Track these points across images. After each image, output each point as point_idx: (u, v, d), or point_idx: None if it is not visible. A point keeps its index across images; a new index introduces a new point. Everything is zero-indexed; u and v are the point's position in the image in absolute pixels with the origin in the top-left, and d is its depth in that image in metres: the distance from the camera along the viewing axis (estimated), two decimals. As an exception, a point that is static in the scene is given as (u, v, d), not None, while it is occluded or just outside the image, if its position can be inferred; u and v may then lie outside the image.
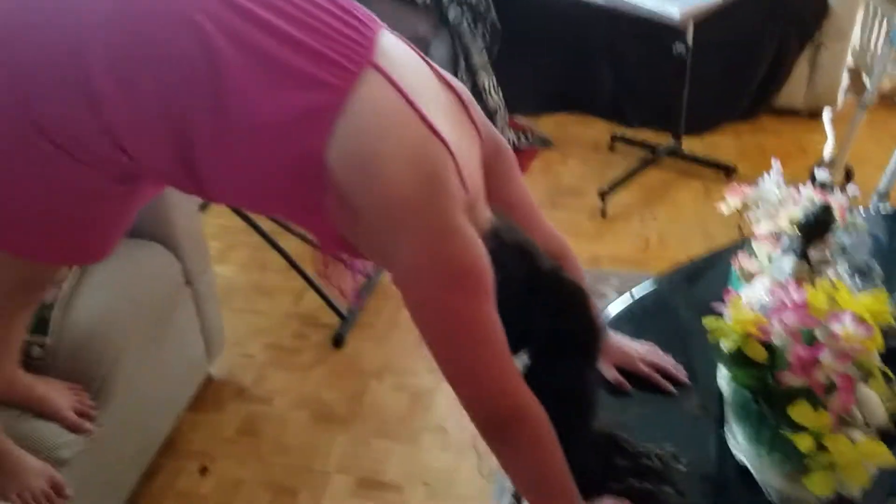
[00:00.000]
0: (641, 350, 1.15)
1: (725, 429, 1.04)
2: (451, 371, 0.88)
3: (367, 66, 0.84)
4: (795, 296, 0.91)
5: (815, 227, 1.04)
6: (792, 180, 1.20)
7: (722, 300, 0.99)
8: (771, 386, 0.90)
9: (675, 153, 2.61)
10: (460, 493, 1.60)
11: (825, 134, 2.71)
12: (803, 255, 1.02)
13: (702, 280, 1.42)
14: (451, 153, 0.85)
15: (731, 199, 1.21)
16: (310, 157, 0.82)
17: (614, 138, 2.75)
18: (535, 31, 2.81)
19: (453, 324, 0.85)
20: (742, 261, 1.19)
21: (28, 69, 0.83)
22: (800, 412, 0.87)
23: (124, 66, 0.81)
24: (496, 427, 0.89)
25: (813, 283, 0.99)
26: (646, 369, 1.13)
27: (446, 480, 1.63)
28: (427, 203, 0.82)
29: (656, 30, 2.29)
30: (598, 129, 2.82)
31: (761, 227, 1.19)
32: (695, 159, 2.59)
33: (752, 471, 0.98)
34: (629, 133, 2.76)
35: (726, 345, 0.93)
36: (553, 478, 0.90)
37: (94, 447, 1.36)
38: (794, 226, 1.04)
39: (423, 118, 0.84)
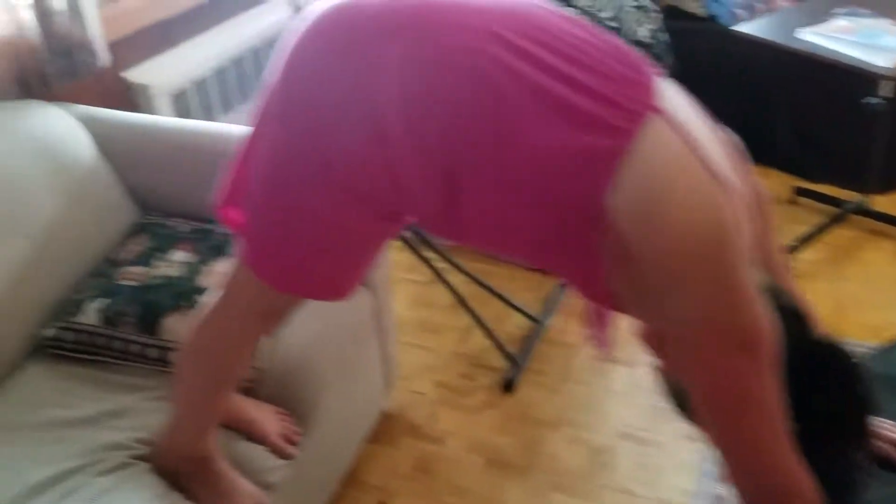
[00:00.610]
0: (882, 427, 1.06)
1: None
2: (727, 440, 0.84)
3: (651, 110, 0.83)
4: None
5: None
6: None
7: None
8: None
9: (864, 210, 2.45)
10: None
11: None
12: None
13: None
14: (736, 203, 0.82)
15: None
16: (590, 200, 0.81)
17: (797, 192, 2.62)
18: (715, 76, 2.72)
19: (736, 390, 0.81)
20: None
21: (324, 109, 0.88)
22: None
23: (413, 106, 0.85)
24: (762, 500, 0.83)
25: None
26: (886, 447, 1.04)
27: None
28: (715, 256, 0.79)
29: (845, 80, 2.18)
30: (776, 182, 2.68)
31: None
32: (886, 218, 2.42)
33: None
34: (812, 186, 2.62)
35: None
36: None
37: (294, 473, 1.40)
38: None
39: (709, 166, 0.82)
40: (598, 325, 0.95)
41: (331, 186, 0.91)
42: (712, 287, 0.79)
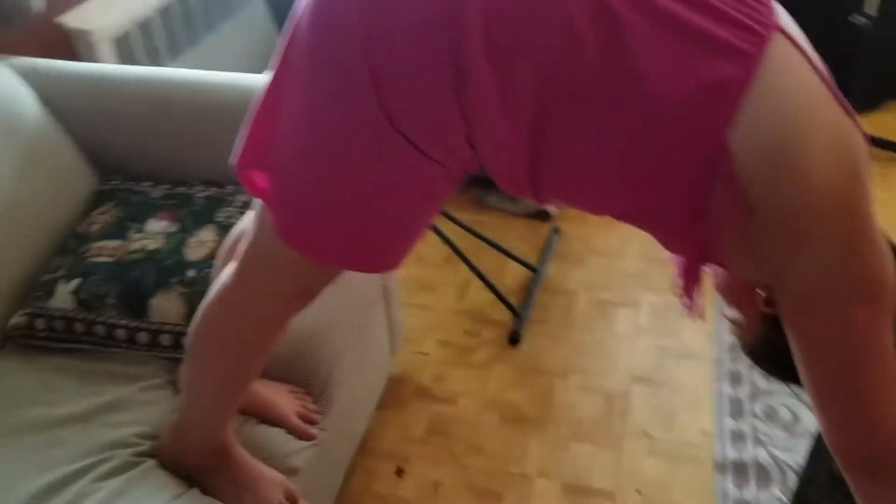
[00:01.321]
0: None
1: None
2: (838, 401, 0.77)
3: (775, 30, 0.71)
4: None
5: None
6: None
7: None
8: None
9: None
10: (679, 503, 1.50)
11: None
12: None
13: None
14: (863, 139, 0.73)
15: None
16: (710, 140, 0.69)
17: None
18: None
19: (856, 344, 0.73)
20: None
21: (382, 46, 0.72)
22: None
23: (501, 35, 0.70)
24: (875, 466, 0.77)
25: None
26: None
27: (661, 489, 1.52)
28: (853, 204, 0.70)
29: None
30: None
31: None
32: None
33: None
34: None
35: None
36: None
37: (316, 453, 1.28)
38: None
39: (837, 96, 0.72)
40: (688, 283, 0.85)
41: (390, 141, 0.76)
42: (846, 238, 0.71)
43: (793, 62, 0.71)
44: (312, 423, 1.26)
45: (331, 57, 0.75)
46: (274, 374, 1.27)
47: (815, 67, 0.72)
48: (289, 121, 0.81)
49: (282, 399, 1.25)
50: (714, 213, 0.74)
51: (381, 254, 0.89)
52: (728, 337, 1.00)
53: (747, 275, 0.82)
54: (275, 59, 0.84)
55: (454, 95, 0.72)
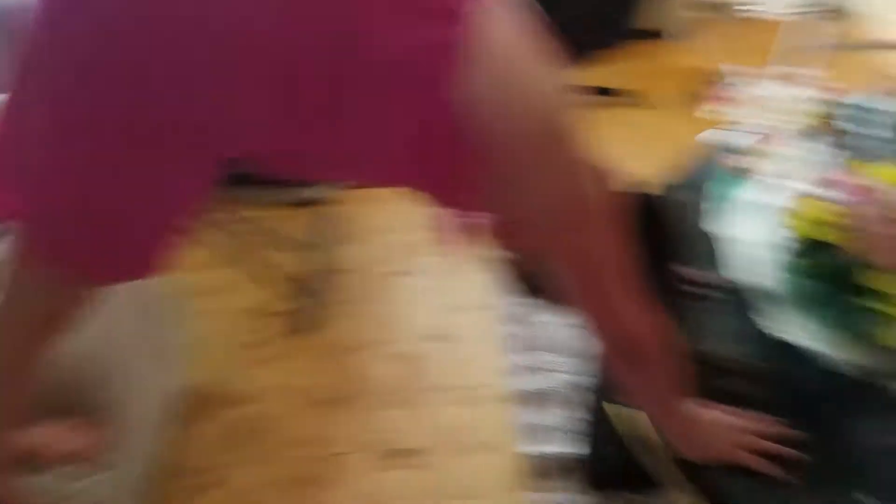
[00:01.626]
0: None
1: (769, 322, 1.11)
2: (589, 304, 0.89)
3: None
4: (860, 181, 0.99)
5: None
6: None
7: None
8: (851, 266, 0.99)
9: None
10: (486, 442, 1.60)
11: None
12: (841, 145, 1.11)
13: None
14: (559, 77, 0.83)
15: (713, 105, 1.28)
16: (441, 99, 0.76)
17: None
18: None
19: (595, 257, 0.85)
20: (735, 160, 1.27)
21: (136, 63, 0.72)
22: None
23: (256, 24, 0.72)
24: (630, 355, 0.92)
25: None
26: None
27: (467, 434, 1.62)
28: (563, 136, 0.80)
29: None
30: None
31: (759, 126, 1.27)
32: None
33: (823, 350, 1.05)
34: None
35: (809, 234, 1.00)
36: (669, 394, 0.96)
37: (109, 484, 1.20)
38: (825, 120, 1.13)
39: (544, 51, 0.81)
40: (458, 234, 0.93)
41: (146, 151, 0.76)
42: (562, 166, 0.80)
43: (502, 22, 0.79)
44: (97, 453, 1.18)
45: (80, 80, 0.74)
46: (50, 409, 1.16)
47: (523, 26, 0.81)
48: (39, 140, 0.77)
49: (59, 437, 1.15)
50: (465, 163, 0.80)
51: (145, 257, 0.86)
52: (504, 281, 1.09)
53: (505, 215, 0.90)
54: (9, 79, 0.79)
55: (211, 95, 0.74)
